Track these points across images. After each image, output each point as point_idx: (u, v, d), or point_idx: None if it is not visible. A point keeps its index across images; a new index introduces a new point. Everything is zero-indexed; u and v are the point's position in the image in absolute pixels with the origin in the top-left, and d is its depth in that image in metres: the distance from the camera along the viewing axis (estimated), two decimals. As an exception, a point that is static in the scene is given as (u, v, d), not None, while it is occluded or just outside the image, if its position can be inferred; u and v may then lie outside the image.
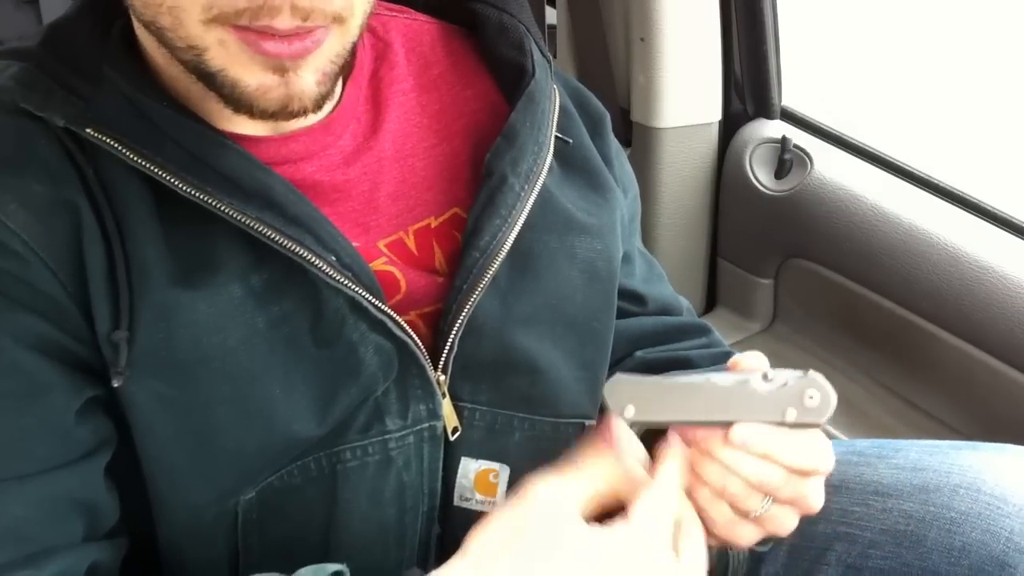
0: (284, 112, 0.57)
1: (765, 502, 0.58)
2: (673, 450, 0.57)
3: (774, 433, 0.56)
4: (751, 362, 0.59)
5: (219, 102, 0.58)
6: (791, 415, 0.55)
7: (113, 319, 0.57)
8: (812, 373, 0.55)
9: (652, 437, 0.61)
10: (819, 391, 0.55)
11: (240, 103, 0.57)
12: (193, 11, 0.53)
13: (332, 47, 0.57)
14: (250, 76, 0.55)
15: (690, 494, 0.59)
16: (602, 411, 0.75)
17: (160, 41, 0.57)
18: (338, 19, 0.56)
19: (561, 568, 0.52)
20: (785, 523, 0.60)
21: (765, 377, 0.56)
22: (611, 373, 0.77)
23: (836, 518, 0.74)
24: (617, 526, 0.54)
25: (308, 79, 0.57)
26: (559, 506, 0.54)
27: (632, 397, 0.58)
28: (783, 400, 0.55)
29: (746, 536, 0.60)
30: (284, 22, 0.53)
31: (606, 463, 0.56)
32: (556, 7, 1.54)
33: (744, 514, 0.59)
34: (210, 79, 0.56)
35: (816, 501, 0.59)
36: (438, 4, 0.77)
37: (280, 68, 0.55)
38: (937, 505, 0.69)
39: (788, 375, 0.56)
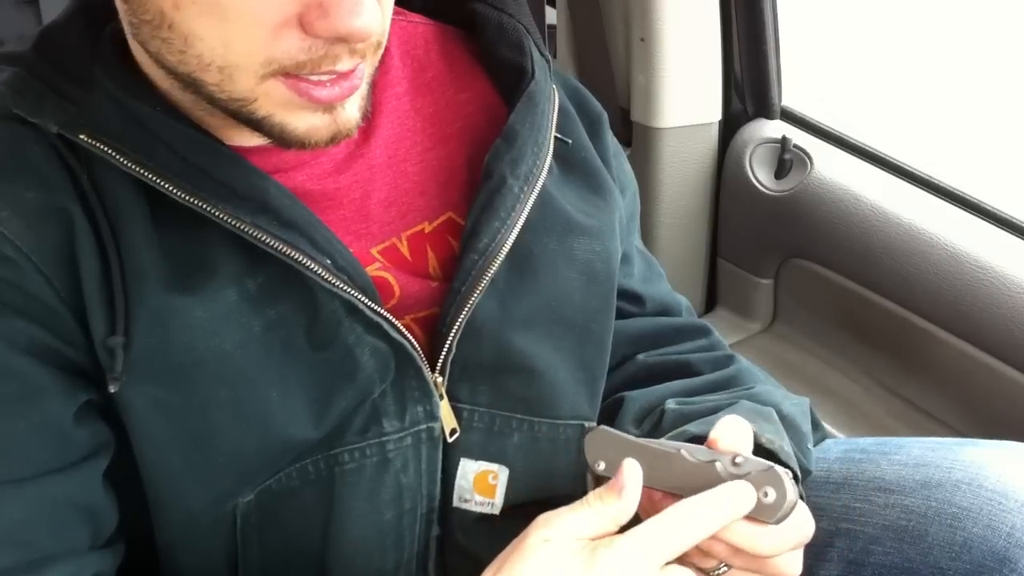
0: (331, 143, 0.59)
1: (720, 566, 0.60)
2: (699, 499, 0.57)
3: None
4: (729, 441, 0.59)
5: (212, 113, 0.59)
6: None
7: (109, 324, 0.57)
8: (778, 470, 0.56)
9: None
10: (776, 490, 0.56)
11: (289, 143, 0.58)
12: (250, 69, 0.54)
13: (367, 73, 0.59)
14: (299, 120, 0.57)
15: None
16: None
17: (194, 90, 0.57)
18: (379, 46, 0.58)
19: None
20: None
21: (734, 461, 0.57)
22: (611, 375, 0.78)
23: (838, 514, 0.74)
24: (607, 539, 0.54)
25: (352, 110, 0.58)
26: (554, 543, 0.54)
27: (605, 453, 0.60)
28: None
29: None
30: (344, 64, 0.55)
31: (613, 502, 0.56)
32: (556, 7, 1.54)
33: (703, 571, 0.61)
34: (255, 124, 0.57)
35: (789, 569, 0.60)
36: (436, 4, 0.76)
37: (328, 108, 0.57)
38: (939, 501, 0.69)
39: (756, 465, 0.57)
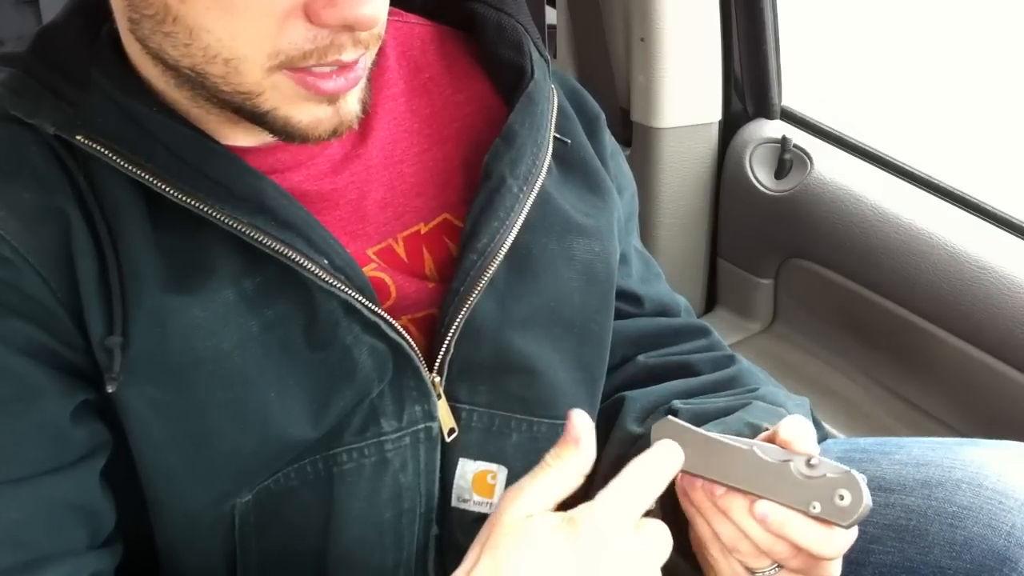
0: (332, 137, 0.59)
1: (772, 567, 0.60)
2: (649, 454, 0.57)
3: (792, 516, 0.57)
4: (802, 443, 0.60)
5: (209, 111, 0.59)
6: (816, 508, 0.57)
7: (106, 325, 0.57)
8: (855, 474, 0.56)
9: None
10: (852, 493, 0.56)
11: (292, 136, 0.58)
12: (257, 61, 0.54)
13: (367, 66, 0.59)
14: (303, 113, 0.57)
15: (703, 546, 0.62)
16: (606, 431, 0.75)
17: (194, 82, 0.57)
18: (379, 38, 0.58)
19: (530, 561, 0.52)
20: None
21: (809, 462, 0.57)
22: (611, 375, 0.77)
23: (838, 514, 0.74)
24: (581, 508, 0.53)
25: (353, 103, 0.59)
26: (534, 520, 0.54)
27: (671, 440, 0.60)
28: (814, 492, 0.57)
29: None
30: (349, 55, 0.55)
31: (571, 454, 0.55)
32: (556, 7, 1.54)
33: (752, 571, 0.61)
34: (258, 117, 0.57)
35: (836, 570, 0.61)
36: (434, 5, 0.76)
37: (332, 100, 0.57)
38: (939, 500, 0.69)
39: (832, 468, 0.57)
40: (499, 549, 0.52)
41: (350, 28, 0.53)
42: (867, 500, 0.56)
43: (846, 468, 0.57)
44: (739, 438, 0.61)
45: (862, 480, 0.56)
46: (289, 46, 0.53)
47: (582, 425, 0.55)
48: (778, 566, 0.61)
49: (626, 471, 0.55)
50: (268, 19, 0.52)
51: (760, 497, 0.58)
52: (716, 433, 0.61)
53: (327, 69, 0.55)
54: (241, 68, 0.54)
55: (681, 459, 0.58)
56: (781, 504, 0.57)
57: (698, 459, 0.59)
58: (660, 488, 0.55)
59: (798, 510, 0.57)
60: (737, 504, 0.59)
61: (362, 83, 0.59)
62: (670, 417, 0.62)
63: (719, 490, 0.59)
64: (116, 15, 0.59)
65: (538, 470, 0.55)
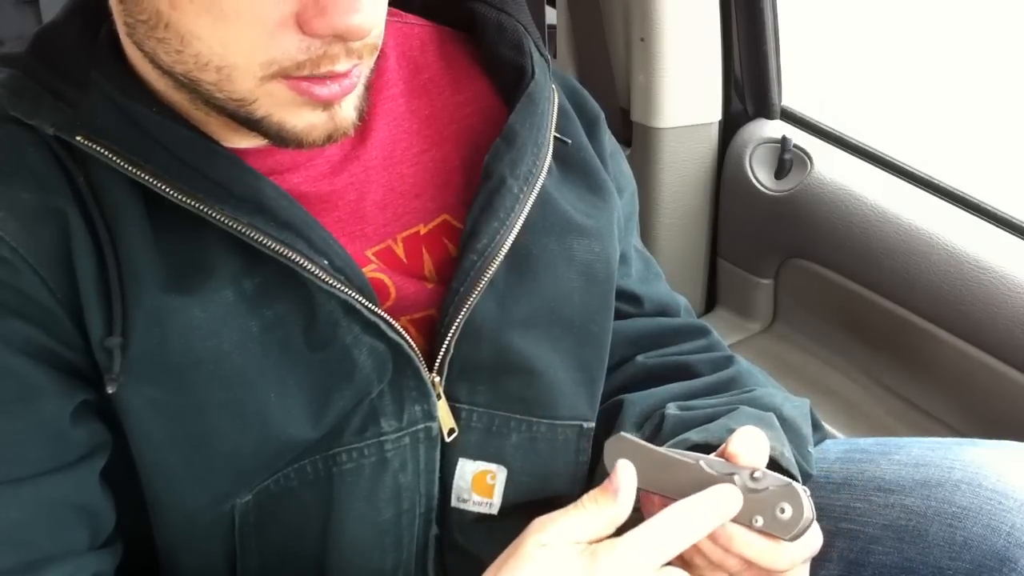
0: (327, 142, 0.59)
1: None
2: (693, 501, 0.57)
3: (737, 530, 0.57)
4: (748, 456, 0.60)
5: (208, 113, 0.59)
6: (758, 522, 0.57)
7: (106, 325, 0.57)
8: (796, 487, 0.56)
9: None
10: (793, 506, 0.56)
11: (286, 142, 0.58)
12: (249, 69, 0.54)
13: (365, 74, 0.59)
14: (297, 118, 0.57)
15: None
16: (606, 434, 0.75)
17: (189, 88, 0.57)
18: (375, 48, 0.58)
19: None
20: None
21: (752, 476, 0.58)
22: (610, 376, 0.77)
23: (838, 514, 0.74)
24: (605, 543, 0.54)
25: (349, 109, 0.59)
26: (552, 548, 0.54)
27: (623, 457, 0.59)
28: (756, 505, 0.57)
29: None
30: (343, 65, 0.55)
31: (609, 504, 0.56)
32: (556, 7, 1.54)
33: None
34: (252, 123, 0.57)
35: None
36: (435, 5, 0.76)
37: (327, 106, 0.57)
38: (939, 500, 0.69)
39: (774, 480, 0.57)
40: (514, 571, 0.53)
41: (342, 38, 0.53)
42: (808, 513, 0.56)
43: (788, 480, 0.57)
44: (689, 452, 0.61)
45: (804, 492, 0.56)
46: (282, 56, 0.53)
47: (626, 478, 0.56)
48: None
49: (664, 513, 0.55)
50: (259, 28, 0.52)
51: None
52: (667, 449, 0.61)
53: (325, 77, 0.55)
54: (233, 76, 0.54)
55: (730, 514, 0.57)
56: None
57: (650, 474, 0.59)
58: (694, 538, 0.55)
59: (742, 524, 0.57)
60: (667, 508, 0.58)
61: (358, 90, 0.59)
62: (623, 434, 0.62)
63: (668, 503, 0.59)
64: (115, 17, 0.59)
65: (572, 507, 0.56)
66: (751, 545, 0.57)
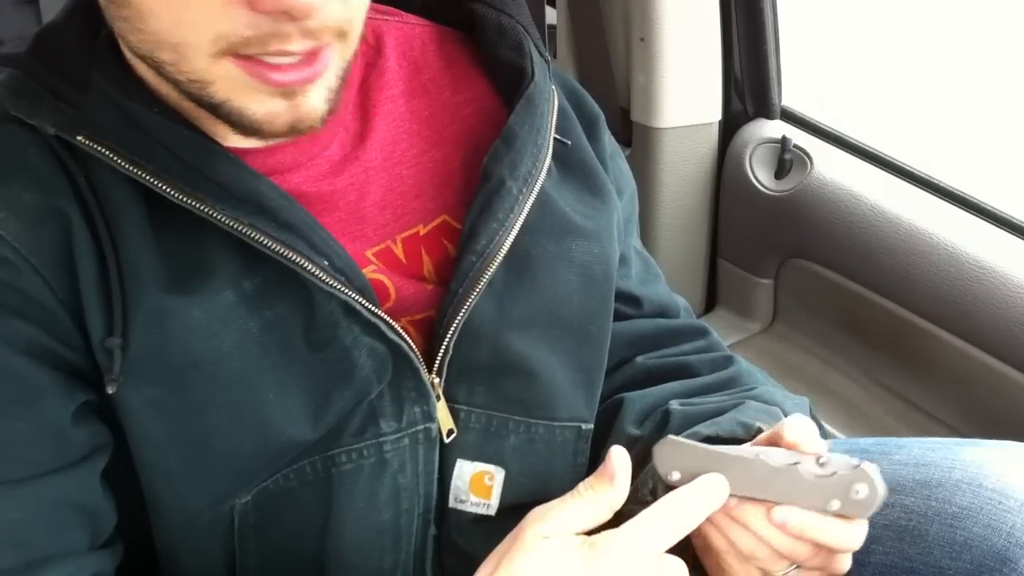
0: (292, 132, 0.58)
1: (790, 567, 0.61)
2: (687, 490, 0.58)
3: (812, 517, 0.58)
4: (808, 443, 0.60)
5: (198, 110, 0.58)
6: (835, 506, 0.57)
7: (106, 325, 0.57)
8: (865, 465, 0.57)
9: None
10: (868, 485, 0.56)
11: (248, 129, 0.57)
12: (200, 46, 0.53)
13: (336, 64, 0.58)
14: (256, 105, 0.56)
15: (717, 555, 0.62)
16: (605, 433, 0.75)
17: (158, 72, 0.56)
18: (341, 34, 0.56)
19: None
20: None
21: (818, 461, 0.58)
22: (609, 377, 0.77)
23: (838, 514, 0.74)
24: (603, 534, 0.54)
25: (316, 100, 0.57)
26: (553, 540, 0.55)
27: (679, 463, 0.60)
28: (830, 490, 0.57)
29: None
30: (296, 45, 0.53)
31: (606, 489, 0.56)
32: (556, 7, 1.54)
33: (769, 574, 0.61)
34: (214, 108, 0.56)
35: (843, 565, 0.61)
36: (435, 6, 0.76)
37: (287, 93, 0.56)
38: (939, 500, 0.69)
39: (841, 463, 0.57)
40: (516, 563, 0.54)
41: (290, 16, 0.52)
42: (883, 489, 0.56)
43: (856, 461, 0.57)
44: (744, 447, 0.61)
45: (875, 471, 0.57)
46: (230, 31, 0.52)
47: (620, 462, 0.56)
48: (796, 566, 0.61)
49: (661, 503, 0.56)
50: (208, 4, 0.51)
51: (776, 503, 0.58)
52: (721, 447, 0.60)
53: (282, 60, 0.54)
54: (187, 54, 0.53)
55: (723, 499, 0.58)
56: (799, 507, 0.57)
57: (704, 471, 0.59)
58: (691, 526, 0.56)
59: (816, 510, 0.57)
60: (753, 513, 0.59)
61: (328, 82, 0.57)
62: (671, 437, 0.61)
63: (732, 502, 0.59)
64: (104, 14, 0.58)
65: (569, 496, 0.56)
66: (824, 530, 0.58)
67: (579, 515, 0.56)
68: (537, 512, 0.56)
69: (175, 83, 0.56)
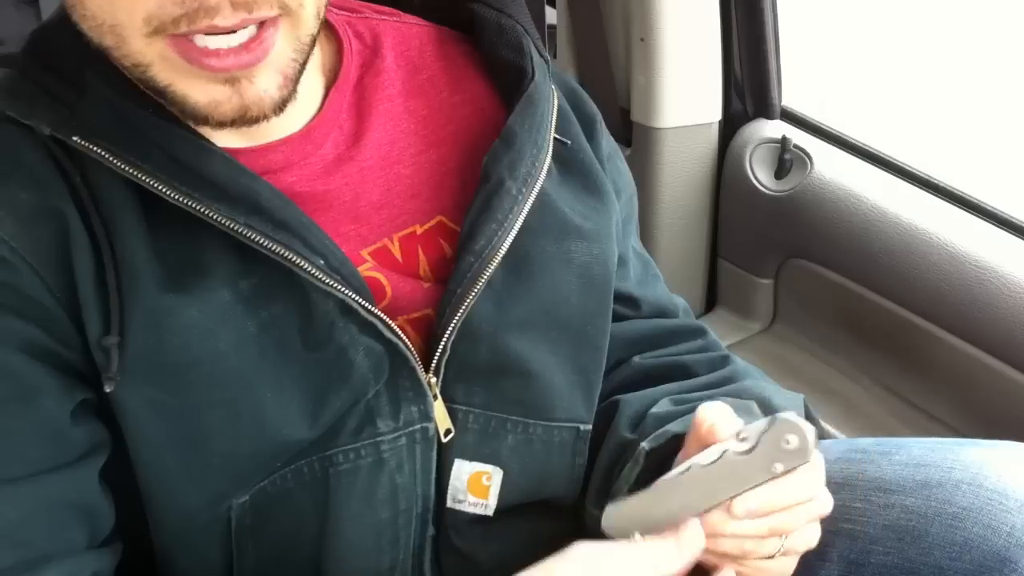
0: (242, 120, 0.56)
1: (783, 538, 0.60)
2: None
3: (769, 489, 0.57)
4: (722, 425, 0.59)
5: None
6: (778, 468, 0.56)
7: (104, 324, 0.57)
8: (780, 416, 0.56)
9: None
10: (794, 433, 0.55)
11: (195, 117, 0.56)
12: (134, 27, 0.53)
13: (286, 47, 0.56)
14: (198, 92, 0.55)
15: (713, 569, 0.62)
16: (601, 435, 0.74)
17: (112, 60, 0.56)
18: (285, 10, 0.55)
19: None
20: (809, 538, 0.62)
21: (739, 437, 0.57)
22: (607, 378, 0.77)
23: (838, 515, 0.74)
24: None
25: (265, 84, 0.56)
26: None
27: (632, 522, 0.58)
28: (765, 458, 0.56)
29: (785, 568, 0.62)
30: (226, 19, 0.52)
31: (668, 550, 0.56)
32: (556, 7, 1.54)
33: (769, 557, 0.61)
34: (161, 94, 0.56)
35: (824, 506, 0.61)
36: (434, 5, 0.76)
37: (230, 79, 0.55)
38: (939, 500, 0.69)
39: (759, 427, 0.56)
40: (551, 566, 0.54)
41: None
42: (808, 428, 0.55)
43: (768, 417, 0.56)
44: (678, 467, 0.59)
45: (790, 416, 0.56)
46: (158, 9, 0.51)
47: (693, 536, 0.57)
48: (786, 536, 0.61)
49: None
50: None
51: (733, 498, 0.57)
52: (657, 481, 0.59)
53: (220, 44, 0.53)
54: (124, 35, 0.53)
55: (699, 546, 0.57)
56: (749, 490, 0.57)
57: (661, 516, 0.58)
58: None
59: (766, 481, 0.56)
60: (719, 519, 0.58)
61: (279, 65, 0.56)
62: (609, 505, 0.59)
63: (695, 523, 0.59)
64: None
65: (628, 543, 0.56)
66: (787, 492, 0.57)
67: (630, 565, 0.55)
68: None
69: (124, 69, 0.56)
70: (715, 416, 0.59)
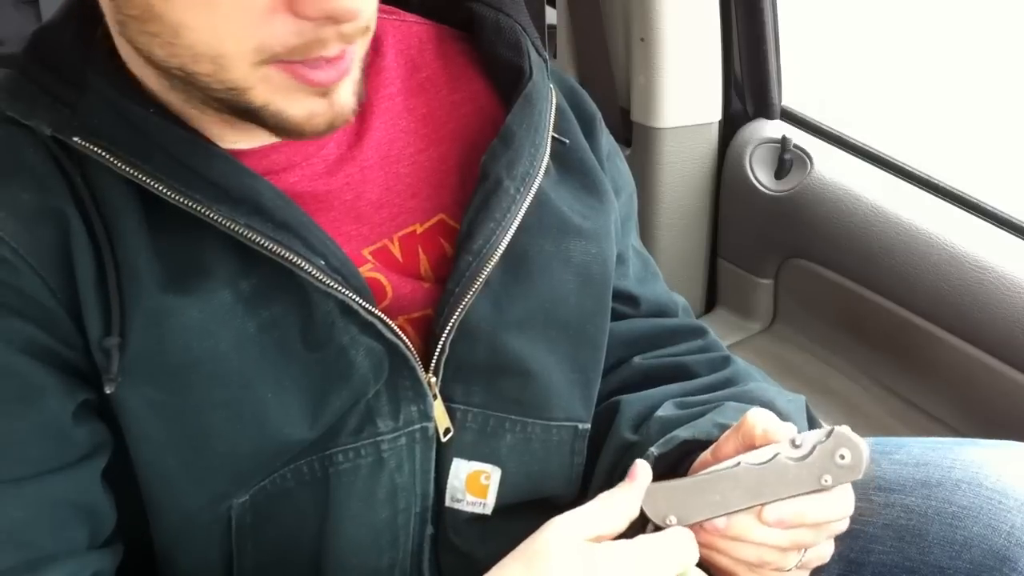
0: (329, 130, 0.58)
1: (802, 553, 0.60)
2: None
3: (805, 501, 0.57)
4: (776, 430, 0.59)
5: (203, 112, 0.59)
6: (827, 480, 0.56)
7: (104, 325, 0.57)
8: (839, 430, 0.56)
9: None
10: (849, 448, 0.56)
11: (288, 131, 0.57)
12: (242, 56, 0.53)
13: (359, 57, 0.59)
14: (297, 106, 0.56)
15: (728, 571, 0.62)
16: (602, 436, 0.75)
17: (185, 82, 0.56)
18: (367, 29, 0.57)
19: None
20: (823, 555, 0.62)
21: (793, 443, 0.57)
22: (606, 377, 0.77)
23: (838, 514, 0.74)
24: (622, 541, 0.55)
25: (347, 95, 0.58)
26: (572, 539, 0.55)
27: (671, 505, 0.59)
28: (816, 467, 0.56)
29: None
30: (333, 50, 0.54)
31: (629, 501, 0.57)
32: (556, 7, 1.54)
33: (784, 570, 0.61)
34: (252, 113, 0.56)
35: (844, 525, 0.61)
36: (433, 5, 0.76)
37: (325, 92, 0.56)
38: (939, 500, 0.69)
39: (816, 437, 0.57)
40: (516, 558, 0.55)
41: (334, 21, 0.52)
42: (863, 445, 0.56)
43: (828, 429, 0.57)
44: (726, 461, 0.60)
45: (847, 431, 0.56)
46: (274, 41, 0.52)
47: (641, 474, 0.58)
48: (805, 551, 0.61)
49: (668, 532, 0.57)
50: (250, 14, 0.52)
51: (775, 502, 0.57)
52: (704, 472, 0.60)
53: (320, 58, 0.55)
54: (227, 65, 0.53)
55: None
56: (791, 497, 0.57)
57: (700, 507, 0.58)
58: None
59: (811, 492, 0.57)
60: (746, 524, 0.59)
61: (354, 75, 0.58)
62: (653, 484, 0.60)
63: (722, 522, 0.59)
64: (107, 16, 0.59)
65: (590, 502, 0.57)
66: (821, 508, 0.58)
67: (594, 520, 0.56)
68: (558, 518, 0.56)
69: (207, 91, 0.56)
70: (767, 423, 0.60)
